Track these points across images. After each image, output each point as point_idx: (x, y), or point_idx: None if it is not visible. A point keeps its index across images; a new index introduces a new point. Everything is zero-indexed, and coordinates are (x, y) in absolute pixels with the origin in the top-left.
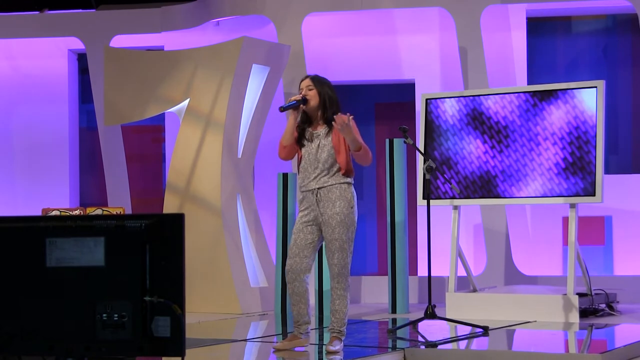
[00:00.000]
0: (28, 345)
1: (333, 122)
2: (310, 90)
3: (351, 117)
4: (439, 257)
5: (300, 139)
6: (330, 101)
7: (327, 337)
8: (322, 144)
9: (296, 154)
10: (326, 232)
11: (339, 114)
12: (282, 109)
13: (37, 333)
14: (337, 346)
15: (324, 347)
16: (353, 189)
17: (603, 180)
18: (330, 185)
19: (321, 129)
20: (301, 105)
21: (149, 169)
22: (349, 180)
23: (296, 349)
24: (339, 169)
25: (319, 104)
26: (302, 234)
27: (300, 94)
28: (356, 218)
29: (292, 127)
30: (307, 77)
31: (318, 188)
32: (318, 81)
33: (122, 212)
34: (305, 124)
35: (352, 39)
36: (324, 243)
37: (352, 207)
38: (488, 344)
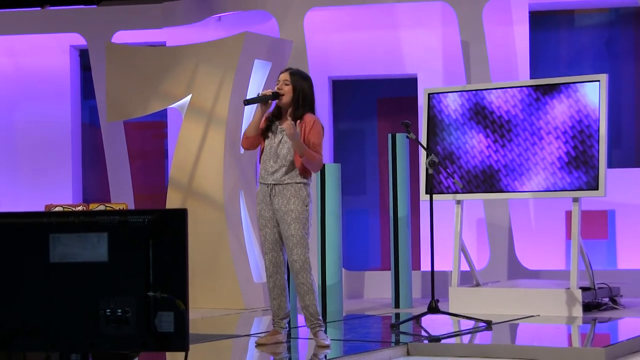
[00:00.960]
0: (32, 342)
1: (281, 126)
2: (286, 85)
3: (310, 117)
4: (442, 251)
5: (265, 131)
6: (304, 99)
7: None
8: (284, 139)
9: (259, 145)
10: (283, 229)
11: (288, 120)
12: (246, 103)
13: (41, 329)
14: (327, 340)
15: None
16: (309, 189)
17: (606, 174)
18: (286, 183)
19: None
20: (268, 101)
21: (151, 165)
22: (305, 180)
23: (276, 343)
24: (296, 168)
25: (291, 101)
26: (268, 229)
27: (276, 86)
28: (310, 216)
29: (259, 120)
30: (287, 70)
31: (274, 184)
32: (297, 77)
33: (125, 208)
34: (275, 117)
35: (354, 34)
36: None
37: (306, 205)
38: (491, 338)
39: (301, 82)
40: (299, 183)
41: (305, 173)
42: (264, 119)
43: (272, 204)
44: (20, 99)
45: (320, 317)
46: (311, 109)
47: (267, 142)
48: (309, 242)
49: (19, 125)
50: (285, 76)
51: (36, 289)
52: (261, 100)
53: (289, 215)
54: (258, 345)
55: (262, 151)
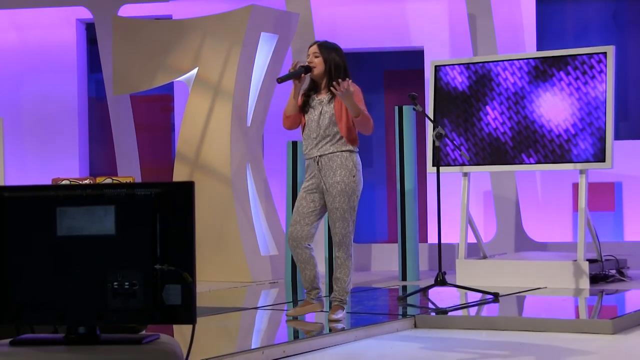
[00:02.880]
0: (39, 315)
1: (332, 88)
2: (316, 57)
3: (350, 81)
4: (449, 224)
5: (304, 106)
6: (336, 68)
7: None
8: (324, 110)
9: (300, 123)
10: (328, 201)
11: (339, 79)
12: (280, 80)
13: (49, 302)
14: (340, 314)
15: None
16: (356, 157)
17: (613, 146)
18: (331, 153)
19: (325, 96)
20: (303, 75)
21: (158, 138)
22: (351, 148)
23: (308, 317)
24: (341, 137)
25: (324, 72)
26: (305, 201)
27: (307, 60)
28: (359, 187)
29: (295, 97)
30: (315, 43)
31: (319, 156)
32: (325, 48)
33: (132, 182)
34: (311, 91)
35: (360, 6)
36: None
37: (353, 176)
38: (498, 310)
39: (330, 52)
40: (345, 151)
41: (351, 141)
42: (300, 95)
43: (320, 176)
44: (26, 73)
45: (347, 297)
46: (347, 75)
47: (307, 117)
48: (354, 215)
49: (26, 99)
50: (314, 49)
51: (43, 263)
52: (293, 75)
53: (335, 187)
54: (289, 317)
55: (303, 127)
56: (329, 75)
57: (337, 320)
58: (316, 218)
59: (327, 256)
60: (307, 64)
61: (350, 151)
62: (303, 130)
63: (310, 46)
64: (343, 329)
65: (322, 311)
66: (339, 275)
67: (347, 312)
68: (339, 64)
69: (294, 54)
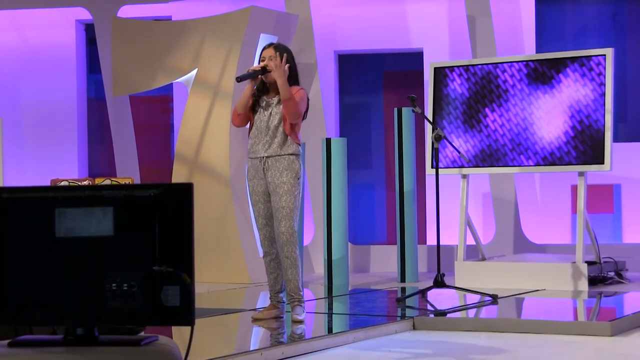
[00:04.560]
0: (38, 316)
1: (264, 64)
2: (272, 60)
3: (287, 65)
4: (447, 226)
5: (254, 106)
6: (290, 72)
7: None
8: (274, 112)
9: (249, 122)
10: (274, 201)
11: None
12: (239, 80)
13: (47, 303)
14: (302, 314)
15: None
16: (300, 162)
17: (612, 148)
18: (278, 156)
19: (275, 98)
20: (258, 76)
21: (157, 139)
22: (296, 151)
23: (273, 317)
24: (287, 137)
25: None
26: (262, 204)
27: (261, 63)
28: (301, 189)
29: (248, 96)
30: (270, 46)
31: (266, 157)
32: (281, 51)
33: (130, 183)
34: (261, 92)
35: (360, 7)
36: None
37: (298, 178)
38: (497, 312)
39: (285, 55)
40: (292, 155)
41: (294, 139)
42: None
43: (265, 177)
44: (26, 74)
45: (302, 293)
46: (296, 81)
47: (256, 117)
48: (298, 216)
49: (25, 100)
50: (270, 52)
51: (42, 264)
52: (253, 75)
53: (281, 187)
54: (254, 320)
55: (251, 126)
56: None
57: (301, 321)
58: (272, 218)
59: (326, 258)
60: (261, 66)
61: (296, 155)
62: (250, 130)
63: (265, 48)
64: (303, 332)
65: (281, 317)
66: (291, 276)
67: (345, 314)
68: (291, 68)
69: (294, 55)
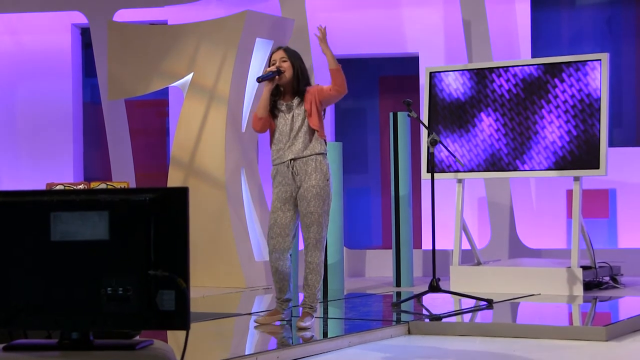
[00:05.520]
0: (33, 320)
1: (315, 34)
2: (284, 62)
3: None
4: (443, 230)
5: (272, 111)
6: (302, 74)
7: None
8: (296, 113)
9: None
10: (301, 206)
11: (319, 26)
12: (260, 80)
13: (43, 307)
14: (308, 322)
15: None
16: (327, 161)
17: (607, 153)
18: (305, 157)
19: (294, 100)
20: (275, 77)
21: (153, 143)
22: (323, 149)
23: (276, 323)
24: (313, 136)
25: (292, 76)
26: (282, 212)
27: (269, 66)
28: (332, 191)
29: (267, 99)
30: (279, 48)
31: (293, 159)
32: (291, 53)
33: (126, 187)
34: (275, 96)
35: (356, 12)
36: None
37: (327, 180)
38: (492, 316)
39: (296, 58)
40: (319, 154)
41: (322, 136)
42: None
43: (294, 181)
44: (21, 77)
45: (317, 303)
46: (309, 83)
47: (278, 121)
48: (327, 220)
49: (21, 104)
50: (280, 54)
51: (37, 268)
52: (272, 75)
53: (310, 191)
54: (258, 325)
55: (272, 132)
56: (296, 81)
57: (306, 328)
58: (294, 227)
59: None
60: (277, 67)
61: (323, 154)
62: (273, 136)
63: (274, 52)
64: (312, 337)
65: (284, 323)
66: (310, 282)
67: (340, 318)
68: (304, 70)
69: None
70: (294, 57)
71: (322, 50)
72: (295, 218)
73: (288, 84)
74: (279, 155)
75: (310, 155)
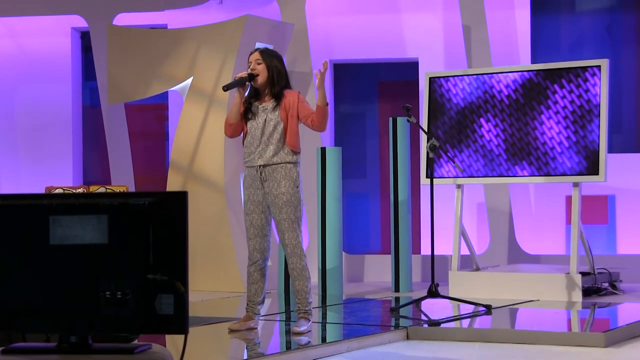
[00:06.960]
0: (32, 323)
1: (316, 72)
2: (258, 64)
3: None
4: (442, 236)
5: (246, 113)
6: (278, 75)
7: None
8: (268, 117)
9: (242, 131)
10: (274, 212)
11: (324, 61)
12: (226, 89)
13: (41, 310)
14: (304, 326)
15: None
16: (299, 169)
17: (606, 159)
18: (275, 165)
19: (268, 104)
20: (247, 82)
21: (152, 147)
22: (293, 158)
23: (249, 329)
24: (284, 145)
25: (267, 79)
26: (256, 214)
27: (248, 68)
28: (302, 197)
29: (239, 105)
30: (256, 50)
31: (262, 165)
32: (267, 55)
33: (125, 190)
34: (252, 98)
35: (355, 17)
36: (274, 223)
37: (297, 187)
38: (491, 322)
39: (272, 59)
40: (290, 163)
41: (294, 147)
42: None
43: (262, 187)
44: (21, 81)
45: (309, 306)
46: (287, 84)
47: (249, 124)
48: (301, 226)
49: (20, 107)
50: (256, 56)
51: (36, 271)
52: (239, 83)
53: (280, 198)
54: (230, 331)
55: (244, 135)
56: (271, 83)
57: (302, 333)
58: (269, 229)
59: (321, 267)
60: (249, 71)
61: (294, 163)
62: (245, 138)
63: (251, 53)
64: (309, 343)
65: (256, 328)
66: (299, 287)
67: (339, 323)
68: (280, 71)
69: (289, 64)
70: (270, 59)
71: (317, 86)
72: (270, 219)
73: (262, 87)
74: (250, 159)
75: (280, 163)
